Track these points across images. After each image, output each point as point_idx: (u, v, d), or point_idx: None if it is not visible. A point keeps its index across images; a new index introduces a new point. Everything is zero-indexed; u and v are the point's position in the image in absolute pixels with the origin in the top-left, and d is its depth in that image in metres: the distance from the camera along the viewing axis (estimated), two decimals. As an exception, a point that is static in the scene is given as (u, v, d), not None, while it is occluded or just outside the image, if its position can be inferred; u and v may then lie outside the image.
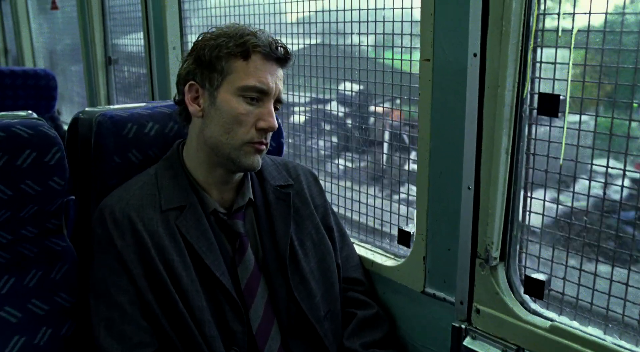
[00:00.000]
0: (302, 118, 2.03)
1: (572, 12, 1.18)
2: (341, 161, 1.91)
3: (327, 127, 1.95)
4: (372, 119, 1.76)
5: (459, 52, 1.32)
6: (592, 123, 1.18)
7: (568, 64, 1.19)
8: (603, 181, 1.18)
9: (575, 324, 1.27)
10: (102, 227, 1.36)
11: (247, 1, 2.09)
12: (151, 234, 1.34)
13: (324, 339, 1.46)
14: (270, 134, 1.41)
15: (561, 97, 1.20)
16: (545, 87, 1.25)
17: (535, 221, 1.33)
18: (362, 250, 1.74)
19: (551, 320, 1.29)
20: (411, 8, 1.51)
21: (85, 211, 1.56)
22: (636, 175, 1.14)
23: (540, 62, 1.25)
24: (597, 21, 1.15)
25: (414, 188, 1.57)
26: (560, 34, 1.20)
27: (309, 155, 2.02)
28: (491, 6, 1.23)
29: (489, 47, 1.26)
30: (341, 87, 1.82)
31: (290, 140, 2.06)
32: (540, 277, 1.32)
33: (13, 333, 1.33)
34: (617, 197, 1.16)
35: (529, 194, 1.34)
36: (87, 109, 1.56)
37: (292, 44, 1.92)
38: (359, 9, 1.66)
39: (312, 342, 1.46)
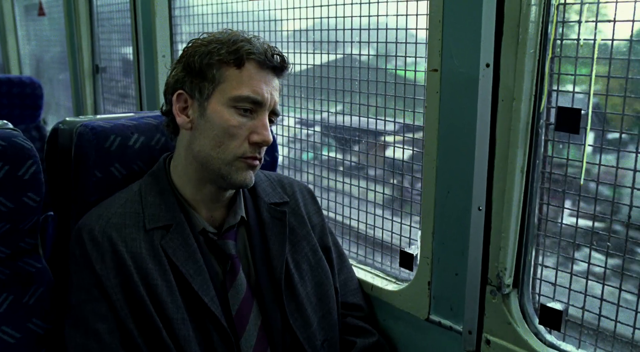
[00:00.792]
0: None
1: (595, 19, 1.09)
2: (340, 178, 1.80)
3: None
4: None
5: (470, 62, 1.24)
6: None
7: (590, 75, 1.09)
8: (629, 203, 1.09)
9: (595, 358, 1.17)
10: (80, 249, 1.26)
11: (241, 7, 2.00)
12: (134, 256, 1.23)
13: (321, 371, 1.35)
14: (264, 148, 1.31)
15: (582, 112, 1.11)
16: (563, 101, 1.16)
17: (551, 245, 1.23)
18: (361, 272, 1.64)
19: (569, 353, 1.19)
20: (416, 15, 1.42)
21: (64, 229, 1.46)
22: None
23: (559, 73, 1.17)
24: (623, 30, 1.06)
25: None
26: (581, 43, 1.10)
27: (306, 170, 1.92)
28: (506, 13, 1.15)
29: (503, 56, 1.18)
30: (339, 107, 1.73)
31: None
32: (557, 306, 1.22)
33: (-21, 365, 1.22)
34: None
35: (544, 217, 1.24)
36: (67, 118, 1.47)
37: (288, 52, 1.82)
38: (360, 16, 1.56)
39: (308, 374, 1.35)
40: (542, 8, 1.13)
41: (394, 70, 1.51)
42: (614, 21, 1.06)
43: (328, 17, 1.67)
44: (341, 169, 1.78)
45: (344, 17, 1.61)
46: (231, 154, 1.26)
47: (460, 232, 1.33)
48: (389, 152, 1.60)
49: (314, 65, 1.76)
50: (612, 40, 1.07)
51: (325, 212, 1.71)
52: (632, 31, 1.05)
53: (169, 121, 1.36)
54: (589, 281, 1.17)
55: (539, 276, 1.28)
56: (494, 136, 1.22)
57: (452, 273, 1.37)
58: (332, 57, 1.67)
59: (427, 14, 1.33)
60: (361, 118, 1.65)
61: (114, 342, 1.19)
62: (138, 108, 2.59)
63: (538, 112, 1.19)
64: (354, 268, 1.61)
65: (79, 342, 1.21)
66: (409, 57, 1.46)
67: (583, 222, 1.17)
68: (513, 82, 1.17)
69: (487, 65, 1.20)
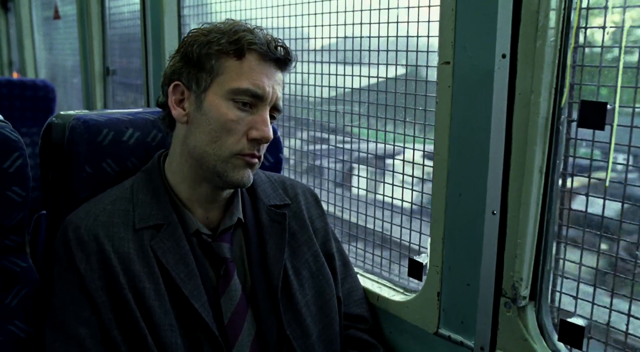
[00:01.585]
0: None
1: (623, 4, 0.99)
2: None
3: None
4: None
5: (485, 53, 1.15)
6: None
7: (617, 66, 0.99)
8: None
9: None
10: (64, 248, 1.19)
11: (253, 4, 1.93)
12: (121, 257, 1.16)
13: (320, 387, 1.26)
14: (265, 146, 1.24)
15: (608, 107, 1.01)
16: (587, 95, 1.06)
17: (572, 254, 1.13)
18: (366, 282, 1.55)
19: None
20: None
21: (55, 228, 1.39)
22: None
23: (582, 65, 1.07)
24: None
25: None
26: (607, 30, 1.01)
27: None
28: (524, -2, 1.06)
29: (521, 46, 1.09)
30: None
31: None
32: (579, 322, 1.11)
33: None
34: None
35: (565, 223, 1.13)
36: (62, 112, 1.41)
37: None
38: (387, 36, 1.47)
39: (306, 390, 1.26)
40: (564, -8, 1.04)
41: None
42: (645, 6, 0.96)
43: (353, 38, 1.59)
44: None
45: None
46: (228, 150, 1.18)
47: (473, 239, 1.23)
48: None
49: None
50: (643, 27, 0.97)
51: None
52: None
53: (165, 114, 1.30)
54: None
55: (558, 287, 1.17)
56: (510, 133, 1.13)
57: (463, 283, 1.27)
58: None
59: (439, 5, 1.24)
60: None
61: (96, 348, 1.12)
62: (145, 105, 2.54)
63: (559, 107, 1.10)
64: (359, 277, 1.51)
65: (59, 347, 1.14)
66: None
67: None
68: (531, 74, 1.08)
69: (503, 56, 1.11)
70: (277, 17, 1.81)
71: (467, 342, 1.28)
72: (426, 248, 1.43)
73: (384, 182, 1.59)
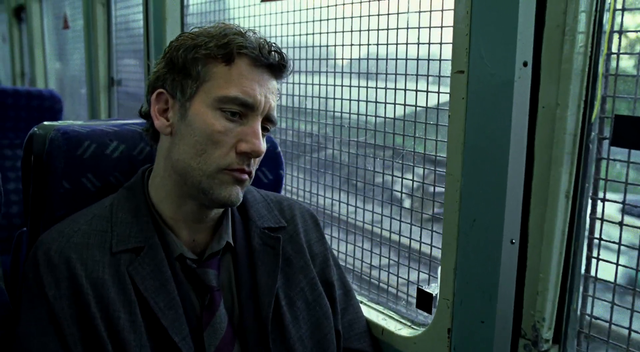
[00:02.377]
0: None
1: (664, 5, 0.86)
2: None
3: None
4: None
5: (504, 61, 1.02)
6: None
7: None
8: None
9: None
10: (33, 271, 1.08)
11: (257, 11, 1.82)
12: (94, 283, 1.05)
13: None
14: (257, 161, 1.13)
15: (647, 122, 0.88)
16: (622, 109, 0.93)
17: (603, 291, 0.99)
18: (370, 312, 1.42)
19: None
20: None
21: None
22: None
23: (616, 74, 0.94)
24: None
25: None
26: (646, 35, 0.88)
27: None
28: (549, -2, 0.93)
29: (545, 53, 0.98)
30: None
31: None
32: (610, 370, 0.97)
33: None
34: None
35: (594, 254, 0.99)
36: (45, 122, 1.32)
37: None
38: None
39: None
40: (595, -8, 0.92)
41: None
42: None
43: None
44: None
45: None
46: (214, 164, 1.07)
47: (488, 271, 1.10)
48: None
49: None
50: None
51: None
52: None
53: (149, 125, 1.19)
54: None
55: (585, 329, 1.02)
56: (532, 152, 1.02)
57: (476, 320, 1.13)
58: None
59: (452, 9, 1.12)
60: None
61: (62, 386, 1.00)
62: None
63: (588, 122, 0.97)
64: (362, 307, 1.38)
65: (21, 382, 1.02)
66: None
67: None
68: (557, 84, 0.96)
69: (525, 64, 0.99)
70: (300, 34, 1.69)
71: (481, 387, 1.13)
72: (436, 277, 1.29)
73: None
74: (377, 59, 1.43)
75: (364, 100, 1.48)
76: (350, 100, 1.53)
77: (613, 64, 0.95)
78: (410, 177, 1.38)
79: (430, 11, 1.24)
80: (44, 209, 1.25)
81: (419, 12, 1.27)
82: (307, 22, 1.66)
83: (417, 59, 1.30)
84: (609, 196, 0.98)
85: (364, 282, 1.57)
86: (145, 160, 1.30)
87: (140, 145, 1.31)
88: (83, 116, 3.64)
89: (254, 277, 1.18)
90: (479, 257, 1.12)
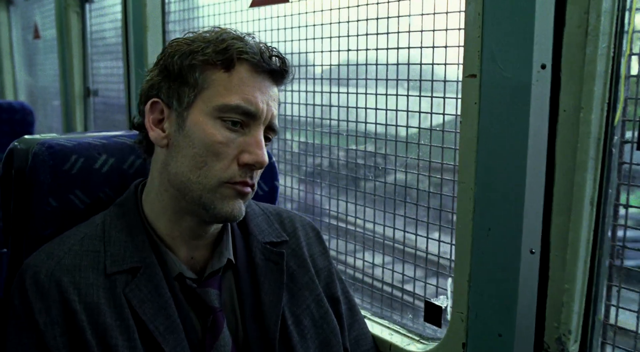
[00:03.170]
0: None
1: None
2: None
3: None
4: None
5: (520, 63, 0.99)
6: None
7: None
8: None
9: None
10: (21, 297, 1.01)
11: (244, 17, 1.77)
12: (88, 308, 0.98)
13: None
14: (259, 173, 1.07)
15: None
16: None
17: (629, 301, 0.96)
18: (375, 327, 1.37)
19: None
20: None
21: (15, 270, 1.21)
22: None
23: (638, 75, 0.91)
24: None
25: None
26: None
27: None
28: (569, -3, 0.90)
29: (565, 55, 0.94)
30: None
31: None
32: (640, 383, 0.93)
33: None
34: None
35: (619, 263, 0.96)
36: (26, 136, 1.24)
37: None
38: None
39: None
40: (617, -9, 0.89)
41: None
42: None
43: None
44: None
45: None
46: (215, 178, 1.01)
47: (506, 282, 1.05)
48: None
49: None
50: None
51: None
52: None
53: (142, 137, 1.13)
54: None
55: (610, 340, 0.99)
56: (553, 158, 0.97)
57: (494, 334, 1.09)
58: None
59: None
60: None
61: None
62: (129, 128, 2.38)
63: (612, 126, 0.93)
64: (368, 322, 1.33)
65: None
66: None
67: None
68: (579, 87, 0.92)
69: (543, 67, 0.96)
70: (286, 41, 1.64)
71: (500, 405, 1.09)
72: (446, 290, 1.25)
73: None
74: (387, 65, 1.37)
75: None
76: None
77: (634, 64, 0.92)
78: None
79: (434, 14, 1.20)
80: (27, 227, 1.17)
81: (421, 14, 1.23)
82: (285, 29, 1.63)
83: (421, 64, 1.26)
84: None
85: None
86: (137, 174, 1.24)
87: (131, 158, 1.25)
88: (56, 129, 3.53)
89: (258, 295, 1.12)
90: (495, 268, 1.07)
